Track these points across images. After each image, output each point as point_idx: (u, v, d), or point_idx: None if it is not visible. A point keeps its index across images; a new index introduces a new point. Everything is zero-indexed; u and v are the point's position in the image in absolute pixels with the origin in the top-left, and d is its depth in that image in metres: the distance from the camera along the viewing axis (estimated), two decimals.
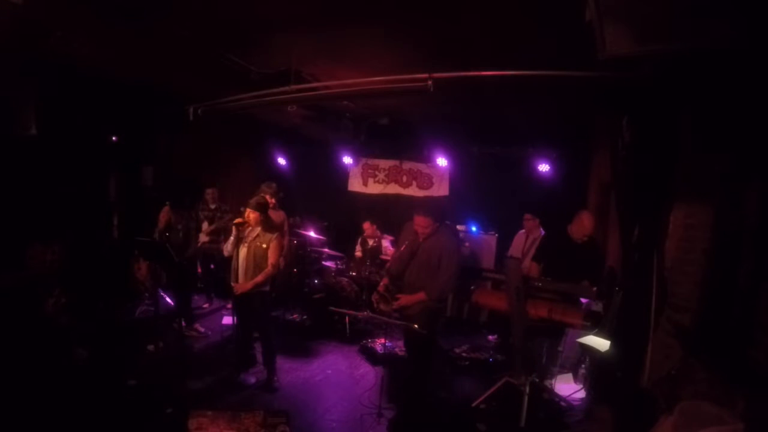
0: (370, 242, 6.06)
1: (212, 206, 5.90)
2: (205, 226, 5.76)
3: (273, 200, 5.12)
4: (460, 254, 3.72)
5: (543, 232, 5.19)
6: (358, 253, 6.15)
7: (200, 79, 4.29)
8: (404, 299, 3.53)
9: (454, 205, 6.53)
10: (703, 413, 1.11)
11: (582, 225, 3.95)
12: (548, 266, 4.04)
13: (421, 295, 3.45)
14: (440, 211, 3.67)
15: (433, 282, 3.43)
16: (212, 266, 6.03)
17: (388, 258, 5.91)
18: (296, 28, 3.14)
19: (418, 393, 3.59)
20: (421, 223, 3.48)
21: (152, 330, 4.47)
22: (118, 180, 5.78)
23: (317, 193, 7.85)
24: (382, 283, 3.75)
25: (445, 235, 3.56)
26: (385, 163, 7.35)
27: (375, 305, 3.69)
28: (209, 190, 5.94)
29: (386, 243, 6.16)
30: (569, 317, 3.28)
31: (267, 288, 3.87)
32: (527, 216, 5.28)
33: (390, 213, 6.94)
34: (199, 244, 5.65)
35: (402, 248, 3.63)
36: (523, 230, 5.38)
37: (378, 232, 6.20)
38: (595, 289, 3.38)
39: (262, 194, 4.59)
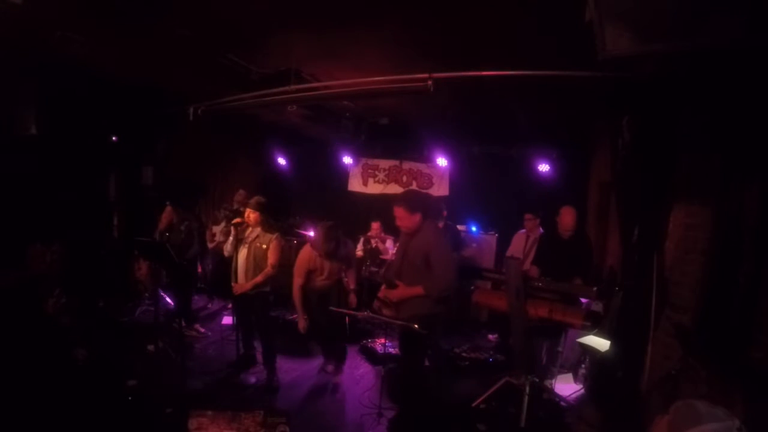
0: (373, 243, 6.05)
1: (235, 206, 5.89)
2: (223, 225, 5.75)
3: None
4: (449, 250, 3.39)
5: (542, 232, 5.18)
6: (359, 252, 6.14)
7: (200, 79, 4.29)
8: (400, 290, 3.23)
9: (454, 205, 6.52)
10: (697, 412, 1.11)
11: (563, 221, 4.00)
12: (541, 264, 4.06)
13: (418, 289, 3.16)
14: (423, 203, 3.31)
15: (426, 280, 3.17)
16: (222, 267, 6.03)
17: (389, 258, 5.91)
18: (296, 28, 3.14)
19: (415, 392, 3.57)
20: (396, 214, 3.21)
21: (152, 330, 4.47)
22: (118, 180, 5.78)
23: (317, 193, 7.85)
24: (381, 290, 3.60)
25: (431, 231, 3.27)
26: (385, 163, 7.35)
27: (378, 311, 3.56)
28: (239, 192, 5.98)
29: (389, 244, 6.15)
30: (569, 317, 3.28)
31: (267, 288, 3.87)
32: (528, 216, 5.22)
33: (390, 213, 6.93)
34: (215, 244, 5.66)
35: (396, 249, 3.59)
36: (524, 230, 5.36)
37: (382, 234, 6.20)
38: (595, 289, 3.37)
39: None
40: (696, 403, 1.15)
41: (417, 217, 3.19)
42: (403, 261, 3.39)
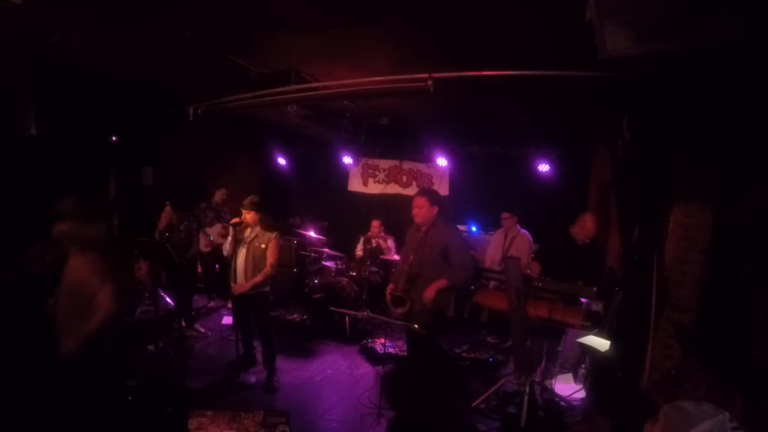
0: (374, 242, 6.05)
1: (221, 207, 5.93)
2: (218, 227, 5.78)
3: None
4: (465, 240, 3.60)
5: (520, 230, 5.35)
6: (359, 252, 6.14)
7: (200, 79, 4.29)
8: (428, 291, 3.27)
9: (454, 205, 6.53)
10: (688, 412, 1.11)
11: (585, 227, 3.98)
12: (549, 267, 4.04)
13: (442, 282, 3.26)
14: (441, 199, 3.53)
15: (447, 271, 3.30)
16: (217, 266, 6.04)
17: (389, 258, 5.91)
18: (296, 28, 3.14)
19: (418, 393, 3.58)
20: (417, 203, 3.40)
21: (152, 330, 4.47)
22: (118, 180, 5.78)
23: (317, 193, 7.85)
24: (389, 289, 3.60)
25: (446, 224, 3.49)
26: (385, 163, 7.35)
27: (393, 310, 3.52)
28: (219, 191, 5.99)
29: (390, 243, 6.14)
30: (569, 317, 3.28)
31: (267, 288, 3.87)
32: (505, 215, 5.40)
33: (390, 213, 6.94)
34: (212, 248, 5.68)
35: (405, 250, 3.62)
36: (502, 229, 5.47)
37: (382, 234, 6.19)
38: (595, 289, 3.37)
39: None
40: (683, 404, 1.15)
41: (435, 210, 3.41)
42: (420, 258, 3.43)
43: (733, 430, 1.07)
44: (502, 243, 5.42)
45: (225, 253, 3.97)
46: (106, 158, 5.59)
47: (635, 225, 2.60)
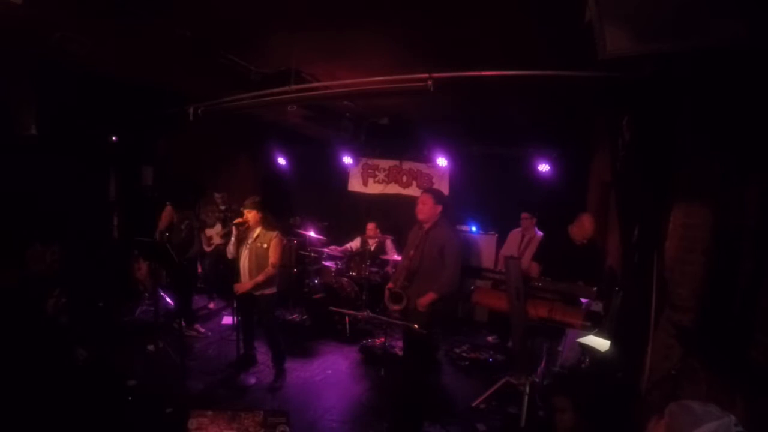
0: (371, 243, 6.04)
1: (222, 207, 5.94)
2: (218, 227, 5.80)
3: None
4: (461, 246, 3.71)
5: (538, 232, 5.27)
6: (354, 246, 6.15)
7: (200, 79, 4.28)
8: (422, 301, 3.44)
9: (454, 205, 6.52)
10: (694, 412, 1.12)
11: (583, 227, 3.98)
12: (547, 266, 4.04)
13: (431, 296, 3.41)
14: (445, 200, 3.67)
15: (438, 278, 3.43)
16: (221, 266, 6.06)
17: (388, 258, 5.91)
18: (296, 28, 3.14)
19: (417, 392, 3.58)
20: (422, 200, 3.57)
21: (152, 330, 4.47)
22: (118, 180, 5.78)
23: (317, 193, 7.85)
24: (388, 286, 3.70)
25: (447, 225, 3.62)
26: (385, 163, 7.35)
27: (388, 305, 3.64)
28: (218, 195, 6.00)
29: (389, 244, 6.14)
30: (569, 317, 3.28)
31: (274, 290, 3.87)
32: (524, 215, 5.32)
33: (390, 213, 6.94)
34: (212, 247, 5.69)
35: (407, 248, 3.66)
36: (519, 229, 5.42)
37: (380, 235, 6.19)
38: (595, 289, 3.37)
39: None
40: (690, 403, 1.15)
41: (438, 209, 3.55)
42: (420, 254, 3.51)
43: None
44: (518, 243, 5.35)
45: (229, 255, 3.97)
46: (106, 158, 5.59)
47: (635, 225, 2.60)
